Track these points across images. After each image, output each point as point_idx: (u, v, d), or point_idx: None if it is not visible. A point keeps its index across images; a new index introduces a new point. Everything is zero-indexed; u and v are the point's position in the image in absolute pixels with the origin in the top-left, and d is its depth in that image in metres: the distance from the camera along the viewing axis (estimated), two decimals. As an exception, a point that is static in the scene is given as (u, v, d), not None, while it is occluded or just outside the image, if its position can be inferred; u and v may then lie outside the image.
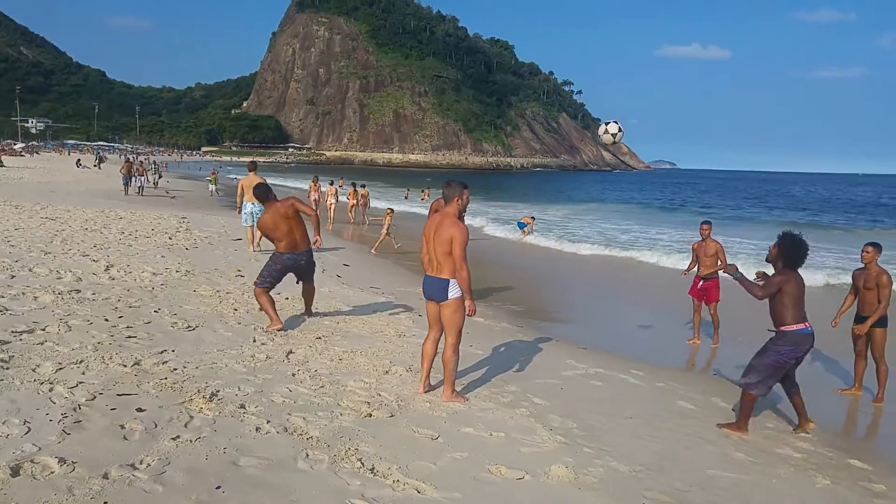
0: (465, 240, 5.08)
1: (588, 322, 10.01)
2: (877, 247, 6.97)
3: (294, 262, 7.25)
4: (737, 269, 5.64)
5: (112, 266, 9.80)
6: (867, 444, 6.10)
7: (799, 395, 5.73)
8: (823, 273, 13.95)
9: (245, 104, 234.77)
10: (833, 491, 4.60)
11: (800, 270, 5.56)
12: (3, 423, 3.97)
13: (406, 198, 41.75)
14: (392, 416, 4.83)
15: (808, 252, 5.57)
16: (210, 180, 32.33)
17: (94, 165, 52.36)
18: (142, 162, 30.87)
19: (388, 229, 16.23)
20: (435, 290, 5.25)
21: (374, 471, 3.86)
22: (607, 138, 6.61)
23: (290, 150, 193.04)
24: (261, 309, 7.25)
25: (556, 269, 16.32)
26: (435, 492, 3.70)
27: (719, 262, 8.87)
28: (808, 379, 7.60)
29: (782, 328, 5.47)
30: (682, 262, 14.44)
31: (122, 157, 37.32)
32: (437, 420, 4.86)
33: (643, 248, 19.17)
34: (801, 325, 5.46)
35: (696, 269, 9.16)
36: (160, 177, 28.74)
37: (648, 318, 10.66)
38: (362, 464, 3.92)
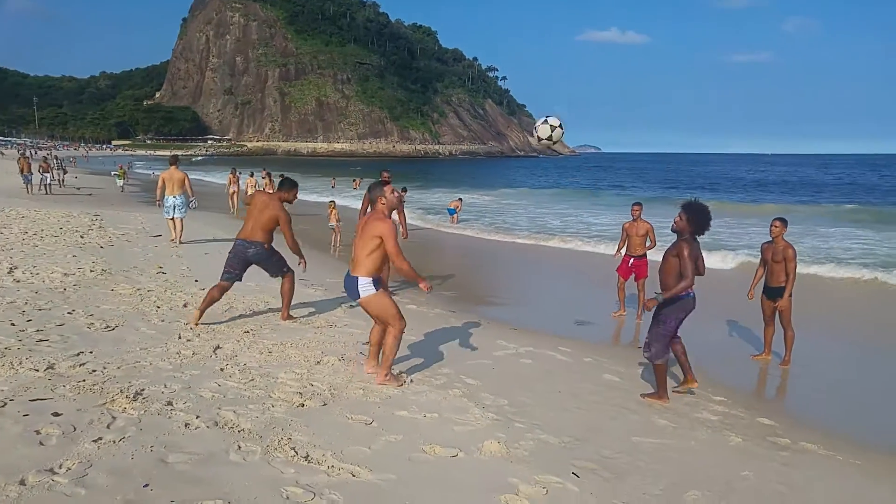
0: (394, 236, 5.16)
1: (519, 305, 10.18)
2: (784, 221, 7.38)
3: (243, 248, 7.04)
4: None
5: (16, 268, 9.29)
6: (774, 404, 6.52)
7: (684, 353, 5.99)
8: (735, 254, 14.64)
9: (158, 95, 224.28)
10: (744, 448, 4.92)
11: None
12: None
13: (333, 187, 41.13)
14: (325, 404, 4.82)
15: (712, 219, 5.75)
16: (117, 175, 30.71)
17: None
18: (45, 157, 29.10)
19: (338, 223, 15.76)
20: (349, 288, 5.38)
21: (309, 458, 3.85)
22: (544, 130, 6.61)
23: (210, 142, 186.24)
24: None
25: (489, 256, 16.50)
26: (370, 474, 3.72)
27: (649, 242, 9.29)
28: (722, 347, 8.12)
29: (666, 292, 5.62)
30: (606, 247, 14.93)
31: (18, 151, 34.88)
32: (370, 406, 4.88)
33: (572, 233, 19.63)
34: (690, 291, 5.64)
35: (625, 248, 9.46)
36: (65, 172, 27.12)
37: (578, 298, 10.98)
38: (296, 452, 3.90)
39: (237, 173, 23.63)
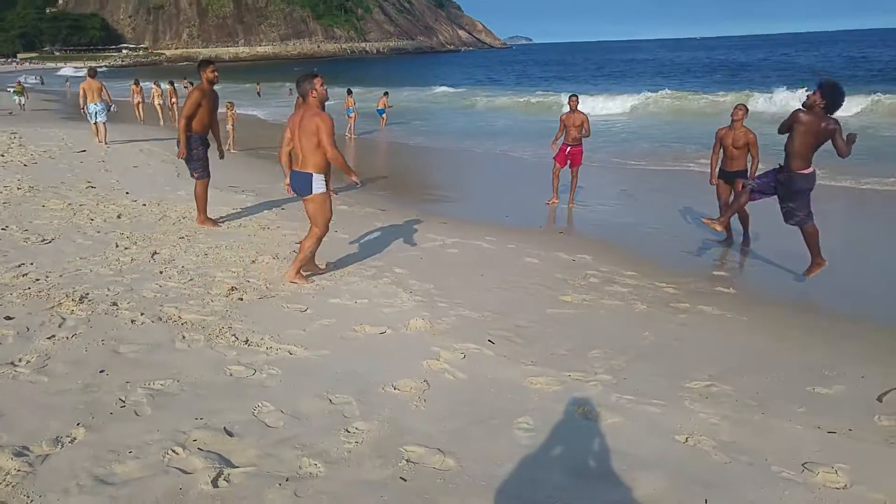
0: (329, 127, 5.21)
1: (450, 202, 10.57)
2: (745, 108, 7.75)
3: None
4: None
5: (-62, 191, 9.11)
6: (680, 272, 6.93)
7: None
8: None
9: (61, 2, 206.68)
10: (648, 313, 5.54)
11: None
12: None
13: (259, 94, 39.74)
14: (262, 297, 5.20)
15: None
16: (15, 90, 28.64)
17: None
18: None
19: (233, 126, 15.85)
20: (300, 184, 5.47)
21: (249, 342, 4.26)
22: None
23: (125, 51, 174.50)
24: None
25: (419, 159, 16.71)
26: (305, 351, 4.18)
27: (585, 131, 9.93)
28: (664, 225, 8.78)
29: (813, 169, 6.11)
30: (537, 148, 15.27)
31: None
32: (304, 296, 5.29)
33: (506, 137, 19.73)
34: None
35: (562, 137, 10.05)
36: None
37: (507, 194, 11.45)
38: (236, 338, 4.31)
39: (139, 84, 24.27)
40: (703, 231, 8.16)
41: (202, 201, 7.50)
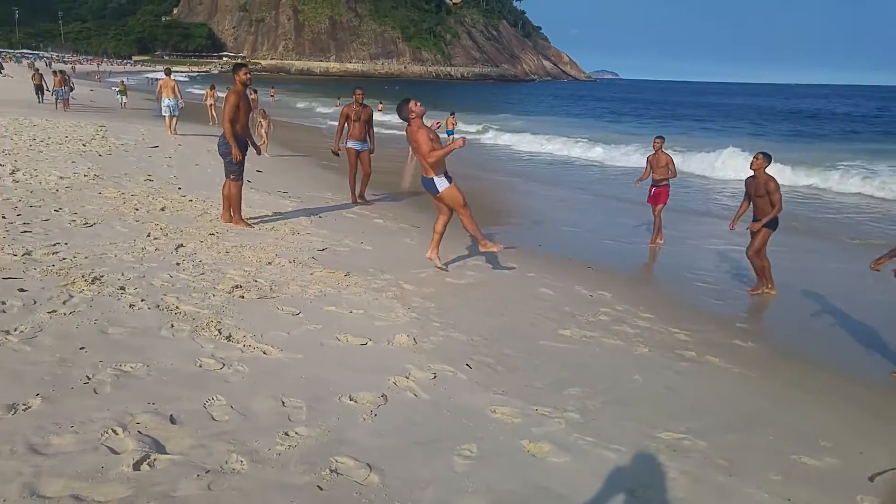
0: (425, 138, 6.46)
1: (485, 225, 10.55)
2: (766, 156, 7.54)
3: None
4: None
5: (18, 170, 9.85)
6: (701, 319, 6.63)
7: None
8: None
9: (175, 11, 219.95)
10: (647, 357, 5.34)
11: None
12: None
13: (380, 110, 39.93)
14: (262, 297, 5.35)
15: None
16: (119, 90, 30.50)
17: None
18: (62, 71, 28.95)
19: (266, 132, 16.38)
20: (428, 187, 6.73)
21: (230, 338, 4.40)
22: None
23: (225, 58, 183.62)
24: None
25: (476, 182, 16.80)
26: (280, 353, 4.28)
27: (670, 171, 9.99)
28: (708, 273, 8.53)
29: None
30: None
31: (31, 66, 34.49)
32: (304, 301, 5.42)
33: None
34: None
35: (650, 178, 10.20)
36: (72, 89, 26.90)
37: (552, 223, 11.36)
38: (220, 332, 4.45)
39: (215, 89, 25.27)
40: (744, 282, 7.86)
41: (235, 201, 7.80)
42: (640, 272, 8.47)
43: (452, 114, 23.67)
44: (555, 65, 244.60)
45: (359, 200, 10.77)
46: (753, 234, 7.58)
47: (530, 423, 3.81)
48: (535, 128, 31.56)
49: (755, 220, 7.61)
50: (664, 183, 10.05)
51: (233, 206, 7.80)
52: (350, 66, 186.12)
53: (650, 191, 10.23)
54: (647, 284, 7.90)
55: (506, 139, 28.17)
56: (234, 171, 7.70)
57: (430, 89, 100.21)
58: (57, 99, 25.48)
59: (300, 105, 45.73)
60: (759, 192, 7.47)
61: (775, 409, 4.61)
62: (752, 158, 7.68)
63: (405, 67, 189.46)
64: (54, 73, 27.45)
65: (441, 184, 6.63)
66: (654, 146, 10.23)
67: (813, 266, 9.12)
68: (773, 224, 7.50)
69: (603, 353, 5.33)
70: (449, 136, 23.14)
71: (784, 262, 8.11)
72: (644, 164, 10.59)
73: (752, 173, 7.64)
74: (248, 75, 7.57)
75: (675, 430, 4.01)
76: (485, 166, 19.09)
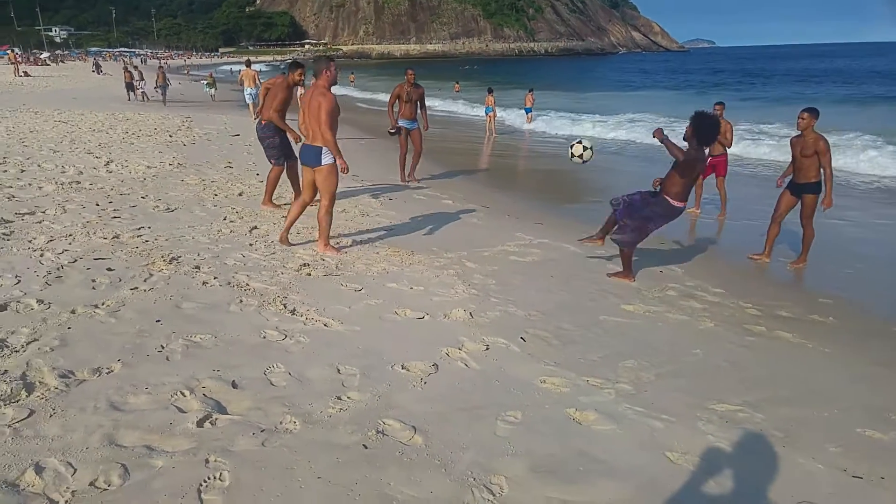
0: (331, 107, 5.66)
1: (560, 203, 10.50)
2: (813, 112, 7.01)
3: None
4: (662, 132, 6.07)
5: (112, 161, 10.58)
6: (777, 295, 6.41)
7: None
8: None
9: (258, 1, 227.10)
10: (711, 331, 5.24)
11: None
12: (-1, 278, 4.85)
13: (457, 91, 38.23)
14: (327, 275, 5.59)
15: (718, 130, 6.03)
16: (207, 83, 31.43)
17: (93, 72, 52.51)
18: (161, 67, 30.43)
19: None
20: (310, 157, 5.94)
21: (295, 312, 4.65)
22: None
23: (307, 46, 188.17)
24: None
25: (553, 160, 16.67)
26: (340, 326, 4.48)
27: (727, 140, 9.50)
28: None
29: (665, 195, 6.03)
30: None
31: (123, 65, 36.18)
32: (367, 278, 5.62)
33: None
34: (680, 204, 6.07)
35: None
36: (168, 85, 28.07)
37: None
38: (285, 307, 4.71)
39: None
40: (829, 257, 7.52)
41: (271, 185, 8.09)
42: (716, 247, 8.21)
43: (531, 90, 23.40)
44: (644, 35, 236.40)
45: (407, 180, 10.98)
46: (804, 201, 7.19)
47: (579, 392, 3.85)
48: (616, 106, 30.74)
49: (797, 182, 7.21)
50: (723, 153, 9.60)
51: (268, 188, 8.11)
52: (430, 48, 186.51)
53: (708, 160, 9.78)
54: (721, 259, 7.67)
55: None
56: (274, 155, 8.03)
57: (509, 66, 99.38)
58: (163, 94, 26.70)
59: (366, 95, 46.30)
60: (807, 151, 7.00)
61: (847, 385, 4.44)
62: (797, 117, 7.15)
63: (486, 46, 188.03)
64: (159, 68, 28.90)
65: (327, 157, 5.87)
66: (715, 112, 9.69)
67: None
68: (815, 189, 7.11)
69: (665, 328, 5.25)
70: (527, 113, 22.97)
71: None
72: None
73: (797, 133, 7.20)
74: (302, 77, 7.79)
75: (730, 403, 3.95)
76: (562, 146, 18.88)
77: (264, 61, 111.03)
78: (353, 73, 47.92)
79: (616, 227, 6.34)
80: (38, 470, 2.65)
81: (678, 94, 43.97)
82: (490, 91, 20.93)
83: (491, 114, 20.31)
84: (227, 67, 76.66)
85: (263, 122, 7.88)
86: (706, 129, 5.93)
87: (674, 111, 25.77)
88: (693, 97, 38.72)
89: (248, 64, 21.58)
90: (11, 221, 6.62)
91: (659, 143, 6.09)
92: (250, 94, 20.29)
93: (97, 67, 55.39)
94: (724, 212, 9.67)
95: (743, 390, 4.17)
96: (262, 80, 18.33)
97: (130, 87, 27.70)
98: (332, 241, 6.42)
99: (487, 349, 4.34)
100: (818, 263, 7.46)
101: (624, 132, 20.82)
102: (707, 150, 6.15)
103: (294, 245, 6.42)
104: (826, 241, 8.39)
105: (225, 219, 7.24)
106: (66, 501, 2.49)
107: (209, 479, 2.68)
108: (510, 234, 7.78)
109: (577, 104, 31.38)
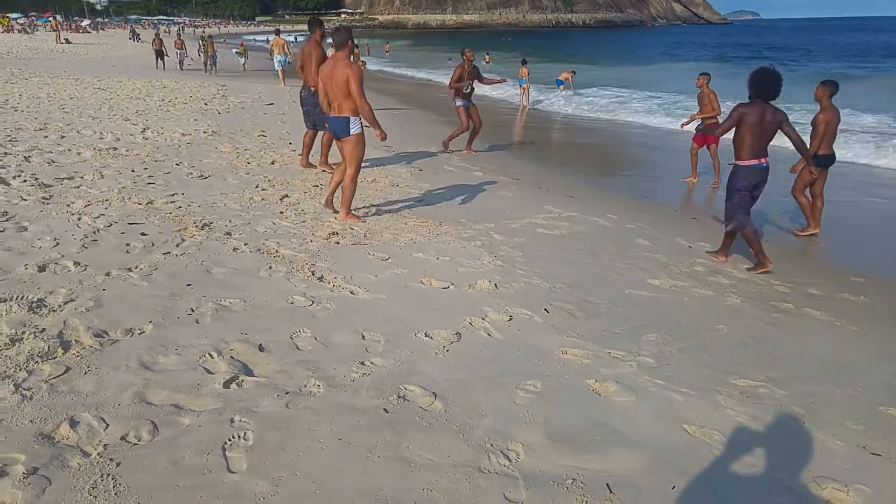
0: (358, 77, 5.76)
1: (591, 175, 10.42)
2: (826, 84, 7.09)
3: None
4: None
5: (148, 129, 10.77)
6: (808, 272, 6.32)
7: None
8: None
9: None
10: (737, 307, 5.19)
11: None
12: (38, 240, 5.05)
13: (487, 62, 36.10)
14: (356, 243, 5.66)
15: (781, 84, 5.80)
16: (238, 52, 31.16)
17: (130, 39, 53.08)
18: (203, 37, 30.17)
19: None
20: (338, 128, 6.03)
21: (322, 279, 4.73)
22: None
23: (343, 16, 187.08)
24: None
25: (585, 133, 16.47)
26: (366, 294, 4.55)
27: (714, 109, 9.67)
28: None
29: (737, 162, 5.93)
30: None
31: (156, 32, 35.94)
32: (394, 247, 5.67)
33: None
34: (754, 161, 5.88)
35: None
36: (216, 55, 27.52)
37: (670, 172, 11.02)
38: (313, 274, 4.79)
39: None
40: (862, 235, 7.36)
41: (307, 148, 8.53)
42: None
43: (573, 71, 22.98)
44: (685, 7, 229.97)
45: (451, 149, 11.26)
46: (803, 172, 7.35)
47: (600, 364, 3.87)
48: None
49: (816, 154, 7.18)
50: (713, 120, 9.65)
51: (304, 149, 8.53)
52: (467, 18, 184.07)
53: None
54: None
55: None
56: (311, 120, 8.42)
57: (546, 38, 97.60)
58: (212, 65, 26.18)
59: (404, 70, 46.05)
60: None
61: (872, 363, 4.38)
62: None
63: (523, 16, 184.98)
64: (201, 38, 28.78)
65: (355, 127, 5.95)
66: (697, 84, 9.88)
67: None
68: (820, 161, 7.22)
69: (691, 303, 5.22)
70: (559, 85, 22.64)
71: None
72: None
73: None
74: (322, 33, 8.15)
75: (752, 378, 3.93)
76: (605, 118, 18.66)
77: (300, 31, 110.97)
78: (388, 43, 47.62)
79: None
80: (73, 424, 2.77)
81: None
82: (524, 62, 20.65)
83: (525, 85, 20.06)
84: (251, 38, 77.02)
85: (313, 90, 8.13)
86: (759, 81, 5.81)
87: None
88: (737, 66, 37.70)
89: (278, 32, 23.02)
90: (51, 186, 6.82)
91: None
92: (279, 62, 21.77)
93: (135, 35, 55.98)
94: (717, 180, 9.80)
95: (766, 366, 4.15)
96: (290, 50, 20.84)
97: (160, 54, 27.77)
98: (361, 210, 6.47)
99: (511, 320, 4.37)
100: (854, 241, 7.31)
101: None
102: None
103: (328, 212, 6.50)
104: (864, 220, 8.22)
105: (257, 186, 7.34)
106: (99, 454, 2.60)
107: (234, 437, 2.78)
108: (539, 207, 7.75)
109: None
